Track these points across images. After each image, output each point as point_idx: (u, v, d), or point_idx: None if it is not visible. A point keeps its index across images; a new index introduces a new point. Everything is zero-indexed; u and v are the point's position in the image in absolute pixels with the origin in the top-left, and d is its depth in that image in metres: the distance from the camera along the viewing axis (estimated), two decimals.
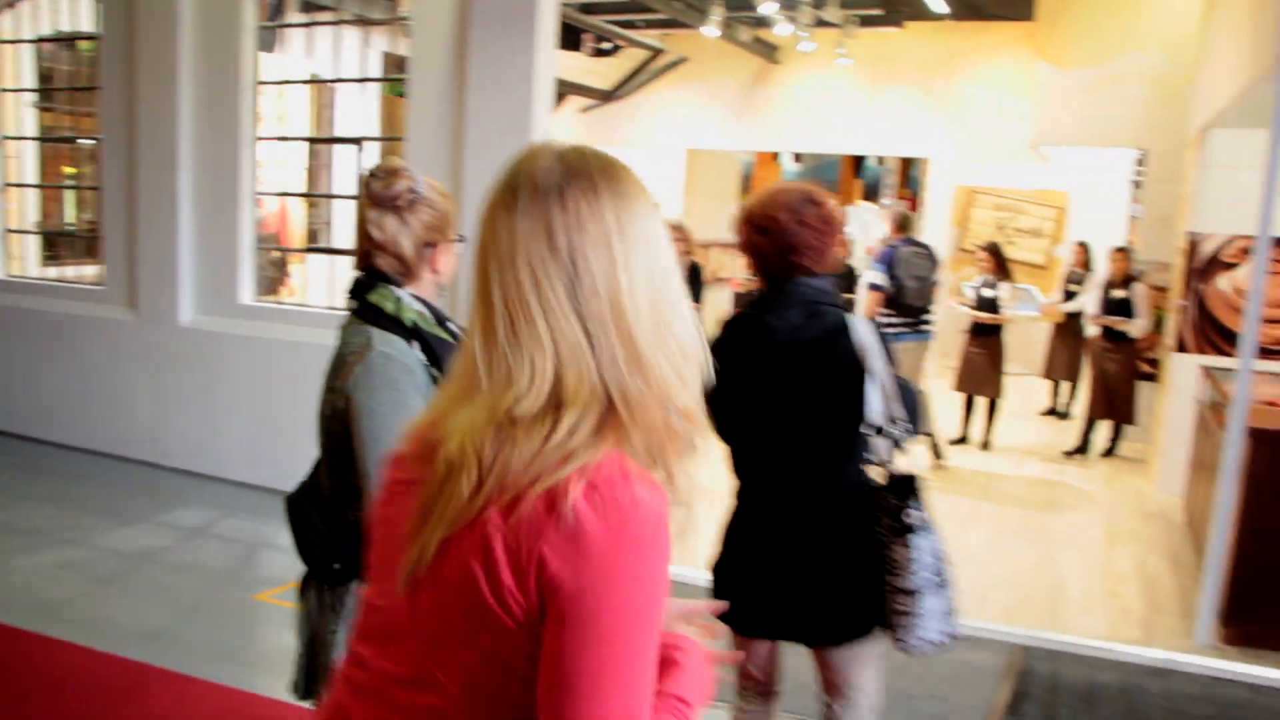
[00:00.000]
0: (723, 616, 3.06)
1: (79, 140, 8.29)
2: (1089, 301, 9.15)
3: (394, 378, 2.25)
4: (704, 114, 13.53)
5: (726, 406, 2.83)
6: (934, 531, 2.79)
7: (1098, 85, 9.92)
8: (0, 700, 4.03)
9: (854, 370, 2.76)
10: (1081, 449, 9.14)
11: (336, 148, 9.01)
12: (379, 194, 2.36)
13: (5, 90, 8.07)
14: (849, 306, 4.06)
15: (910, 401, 2.86)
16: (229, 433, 6.98)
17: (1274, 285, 7.36)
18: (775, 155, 17.93)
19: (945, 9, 11.11)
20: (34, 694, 4.10)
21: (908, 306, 8.02)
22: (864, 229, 15.27)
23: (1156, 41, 9.68)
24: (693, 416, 1.32)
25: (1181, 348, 7.86)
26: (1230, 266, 7.67)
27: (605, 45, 12.45)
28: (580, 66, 12.61)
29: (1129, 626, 5.41)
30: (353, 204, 5.87)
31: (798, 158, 18.87)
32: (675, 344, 1.32)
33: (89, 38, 7.71)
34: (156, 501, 6.58)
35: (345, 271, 2.75)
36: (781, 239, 2.84)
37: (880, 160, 18.51)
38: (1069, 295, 9.87)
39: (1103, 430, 9.22)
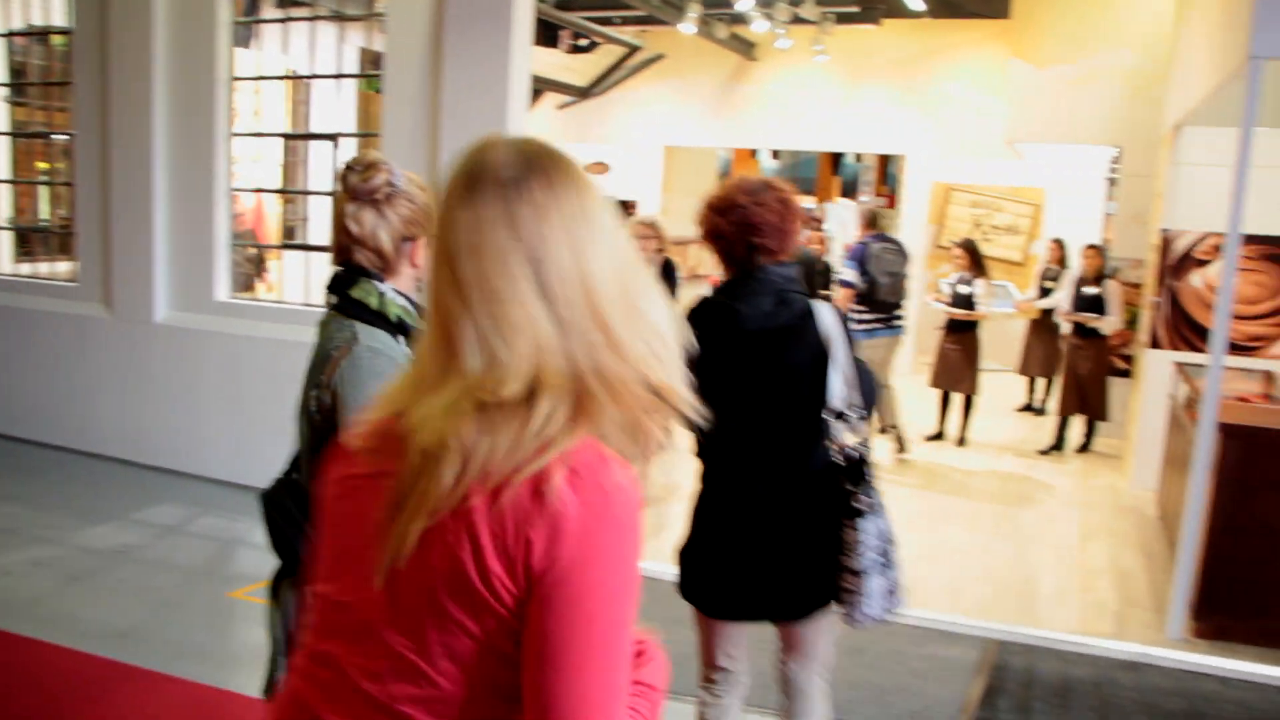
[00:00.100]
0: (693, 601, 3.09)
1: (53, 135, 8.23)
2: (1062, 298, 9.20)
3: (381, 371, 2.23)
4: (681, 111, 13.55)
5: (696, 391, 2.85)
6: (882, 514, 2.93)
7: (1072, 82, 9.98)
8: None
9: (821, 356, 2.88)
10: (1057, 446, 9.19)
11: (313, 144, 8.99)
12: (357, 187, 2.35)
13: None
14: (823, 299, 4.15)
15: (867, 387, 2.97)
16: (204, 430, 6.96)
17: (1245, 282, 7.43)
18: (753, 152, 17.97)
19: (921, 6, 11.16)
20: (5, 692, 4.08)
21: (881, 302, 8.08)
22: (842, 226, 15.32)
23: (1130, 39, 9.74)
24: (671, 392, 1.34)
25: (1155, 344, 7.91)
26: (1203, 263, 7.72)
27: (582, 42, 12.44)
28: (557, 63, 12.60)
29: (1102, 621, 5.45)
30: (329, 200, 5.87)
31: (776, 154, 18.91)
32: (647, 323, 1.34)
33: (62, 32, 7.66)
34: (130, 499, 6.54)
35: (321, 268, 2.74)
36: (741, 219, 2.93)
37: (858, 157, 18.58)
38: (1045, 292, 9.91)
39: (1077, 426, 9.27)
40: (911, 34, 12.24)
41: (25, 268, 8.35)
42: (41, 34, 7.95)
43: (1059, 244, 10.19)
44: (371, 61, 8.18)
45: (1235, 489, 5.15)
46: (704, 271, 13.85)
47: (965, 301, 9.02)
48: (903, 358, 10.02)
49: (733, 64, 13.20)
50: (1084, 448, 9.24)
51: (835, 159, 19.32)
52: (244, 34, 7.54)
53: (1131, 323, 9.24)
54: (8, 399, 7.68)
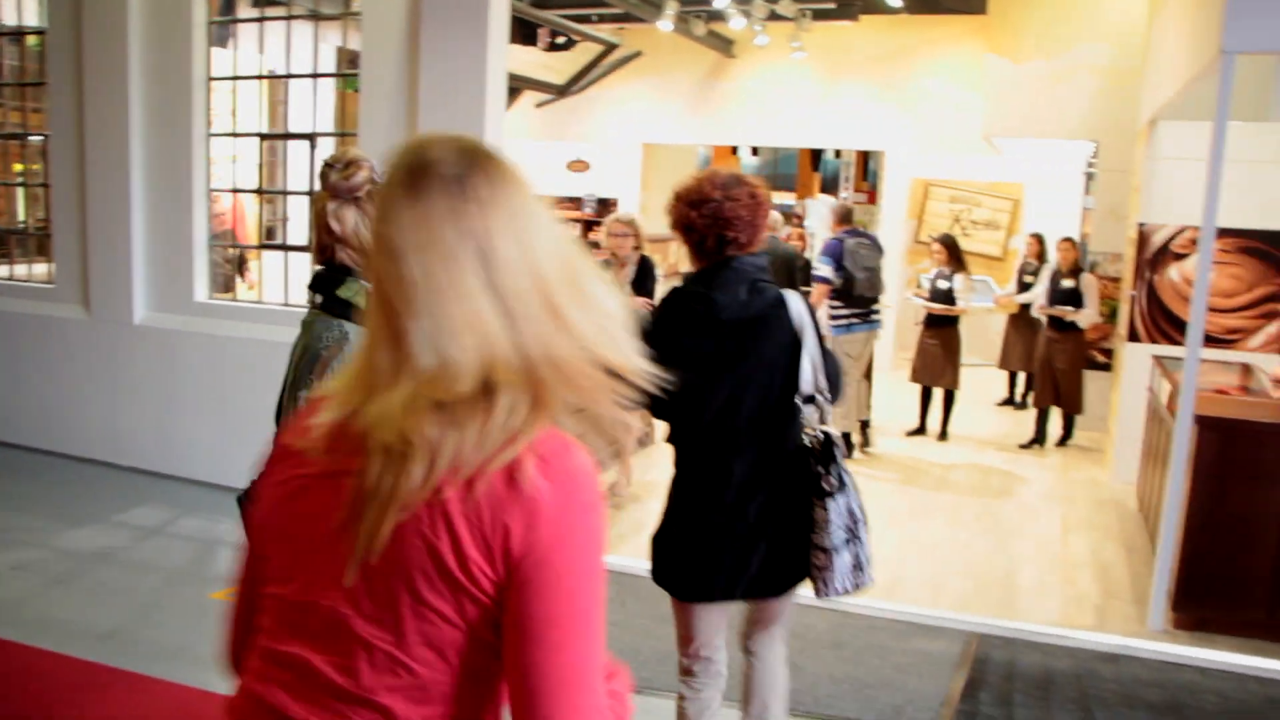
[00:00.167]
0: (672, 587, 3.12)
1: (28, 137, 8.17)
2: (1040, 292, 9.23)
3: None
4: (660, 108, 13.55)
5: (673, 377, 2.96)
6: (850, 491, 3.07)
7: (1049, 77, 10.03)
8: None
9: (794, 343, 3.02)
10: (1038, 440, 9.22)
11: (291, 143, 8.94)
12: (338, 185, 2.34)
13: None
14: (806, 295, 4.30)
15: (833, 372, 3.11)
16: (185, 431, 6.93)
17: (1222, 275, 7.47)
18: (734, 149, 17.96)
19: (899, 2, 11.19)
20: None
21: (858, 297, 8.13)
22: (823, 222, 15.32)
23: (1106, 34, 9.79)
24: (627, 369, 1.37)
25: (1134, 337, 7.95)
26: (1181, 257, 7.76)
27: (560, 40, 12.42)
28: (535, 61, 12.57)
29: (1083, 613, 5.48)
30: (307, 200, 5.83)
31: (755, 151, 18.91)
32: (596, 305, 1.37)
33: (36, 32, 7.62)
34: (111, 501, 6.52)
35: (301, 268, 2.73)
36: (714, 213, 3.01)
37: (838, 154, 18.60)
38: (1024, 286, 9.94)
39: (1057, 420, 9.31)
40: (889, 30, 12.27)
41: (2, 270, 8.29)
42: (15, 34, 7.90)
43: (1038, 239, 10.22)
44: (349, 61, 8.15)
45: (1213, 481, 5.18)
46: (685, 269, 13.85)
47: (945, 297, 9.05)
48: (883, 353, 10.07)
49: (711, 61, 13.21)
50: (1063, 441, 9.29)
51: (815, 155, 19.33)
52: (220, 33, 7.50)
53: (1111, 316, 9.28)
54: None
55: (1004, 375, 11.04)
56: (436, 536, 1.26)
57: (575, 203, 14.65)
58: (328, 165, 2.37)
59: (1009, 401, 11.07)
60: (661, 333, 3.04)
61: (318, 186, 2.44)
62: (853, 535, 3.05)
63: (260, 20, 7.44)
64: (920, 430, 9.40)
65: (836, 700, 4.29)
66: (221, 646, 1.58)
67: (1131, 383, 7.89)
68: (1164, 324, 7.84)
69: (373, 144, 6.17)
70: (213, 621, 4.99)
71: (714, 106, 13.37)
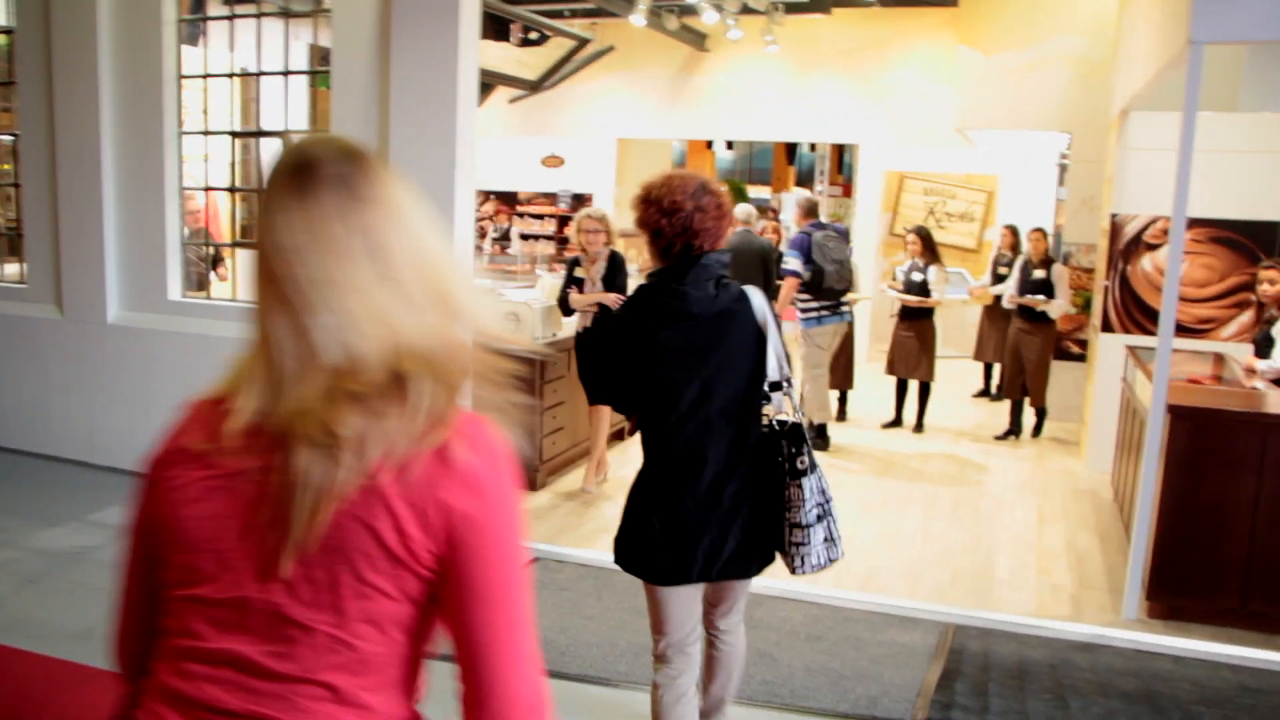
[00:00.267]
0: (645, 572, 3.16)
1: None
2: (1011, 283, 9.27)
3: None
4: (634, 103, 13.55)
5: (647, 370, 3.16)
6: (818, 471, 3.22)
7: (1021, 69, 10.07)
8: None
9: (759, 335, 3.17)
10: (1013, 431, 9.26)
11: (264, 141, 8.90)
12: None
13: None
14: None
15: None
16: (159, 430, 6.88)
17: (1194, 265, 7.52)
18: (709, 143, 17.97)
19: None
20: None
21: (828, 290, 8.16)
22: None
23: (1078, 25, 9.84)
24: (504, 339, 1.46)
25: (1107, 328, 8.00)
26: (1154, 247, 7.81)
27: (533, 35, 12.40)
28: (508, 56, 12.54)
29: (1059, 603, 5.51)
30: None
31: (730, 145, 18.93)
32: (473, 286, 1.47)
33: (4, 31, 7.56)
34: (86, 500, 6.48)
35: None
36: (684, 224, 3.13)
37: (812, 147, 18.63)
38: (999, 278, 9.97)
39: (1030, 410, 9.35)
40: (861, 22, 12.30)
41: None
42: None
43: (1012, 230, 10.26)
44: (320, 58, 8.11)
45: (1187, 471, 5.21)
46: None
47: (920, 288, 9.08)
48: (859, 346, 10.09)
49: (684, 55, 13.21)
50: (1036, 432, 9.33)
51: (791, 149, 19.38)
52: (190, 31, 7.45)
53: (1085, 307, 9.33)
54: None
55: (979, 367, 11.09)
56: (376, 520, 1.33)
57: (550, 198, 14.63)
58: None
59: (984, 393, 11.12)
60: (634, 326, 3.17)
61: None
62: (824, 511, 3.21)
63: (231, 18, 7.40)
64: (896, 422, 9.43)
65: (812, 692, 4.30)
66: (113, 652, 1.59)
67: (1105, 373, 7.94)
68: (1137, 314, 7.89)
69: None
70: None
71: (688, 101, 13.38)
